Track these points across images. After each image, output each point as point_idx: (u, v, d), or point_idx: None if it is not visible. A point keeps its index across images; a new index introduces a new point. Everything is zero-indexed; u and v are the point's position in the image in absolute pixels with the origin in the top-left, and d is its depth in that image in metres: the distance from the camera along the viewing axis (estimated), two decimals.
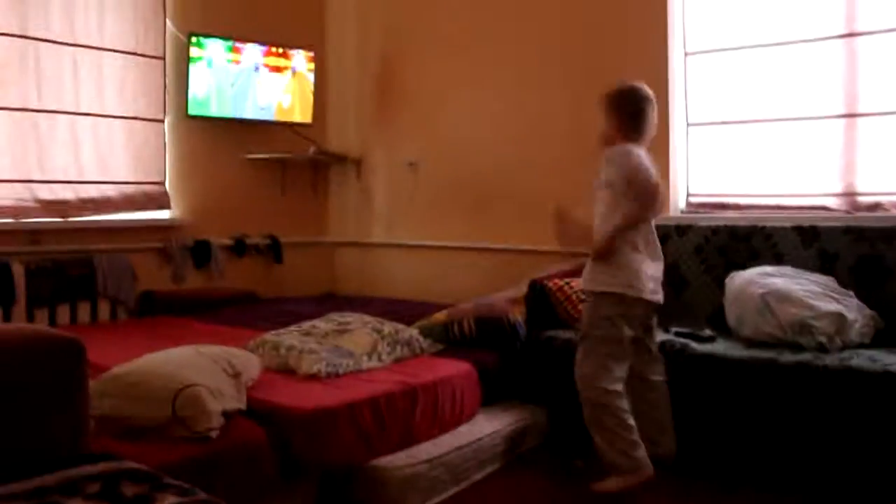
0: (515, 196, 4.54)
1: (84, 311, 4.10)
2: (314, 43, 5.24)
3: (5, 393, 1.62)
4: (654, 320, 2.96)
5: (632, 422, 2.77)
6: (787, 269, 3.29)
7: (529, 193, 4.41)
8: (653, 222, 2.90)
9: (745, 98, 3.86)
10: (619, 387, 2.79)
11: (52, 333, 1.76)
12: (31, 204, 3.97)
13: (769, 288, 3.11)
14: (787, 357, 2.82)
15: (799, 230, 3.46)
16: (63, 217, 4.08)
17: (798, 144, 3.72)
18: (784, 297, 3.04)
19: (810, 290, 3.09)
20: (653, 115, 2.91)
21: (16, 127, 3.92)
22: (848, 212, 3.56)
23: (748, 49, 3.83)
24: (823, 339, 2.90)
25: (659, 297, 2.87)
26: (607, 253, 2.78)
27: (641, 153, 2.82)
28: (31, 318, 3.84)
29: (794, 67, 3.71)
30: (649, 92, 2.91)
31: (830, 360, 2.74)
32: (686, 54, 4.03)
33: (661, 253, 2.92)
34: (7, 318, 3.76)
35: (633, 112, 2.87)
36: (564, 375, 3.11)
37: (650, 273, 2.83)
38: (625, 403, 2.78)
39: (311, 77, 5.09)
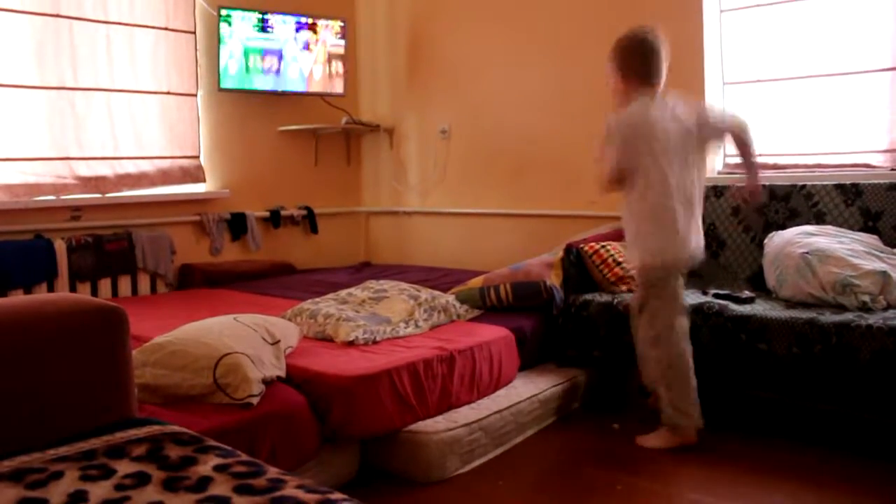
0: (549, 161, 4.51)
1: (124, 285, 4.17)
2: (345, 12, 5.22)
3: (52, 360, 1.66)
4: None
5: (695, 382, 2.81)
6: (829, 228, 3.23)
7: (563, 158, 4.38)
8: (694, 176, 2.86)
9: (782, 55, 3.78)
10: (687, 345, 2.84)
11: (95, 302, 1.79)
12: (71, 181, 4.03)
13: (810, 247, 3.06)
14: (829, 317, 2.77)
15: (841, 188, 3.39)
16: (101, 193, 4.14)
17: (839, 101, 3.63)
18: (825, 257, 2.99)
19: (853, 249, 3.03)
20: (658, 62, 2.82)
21: (53, 105, 3.97)
22: (893, 168, 3.47)
23: (784, 4, 3.74)
24: (867, 299, 2.84)
25: (700, 249, 2.90)
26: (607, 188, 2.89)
27: (650, 111, 2.78)
28: (73, 292, 3.91)
29: (833, 21, 3.62)
30: (655, 37, 2.83)
31: (874, 319, 2.69)
32: (721, 11, 3.94)
33: (697, 207, 2.89)
34: (51, 293, 3.84)
35: (639, 63, 2.82)
36: (601, 338, 3.10)
37: (689, 227, 2.82)
38: (691, 361, 2.83)
39: (342, 47, 5.07)
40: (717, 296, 3.18)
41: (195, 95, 4.55)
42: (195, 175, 4.56)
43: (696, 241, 2.87)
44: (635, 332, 2.96)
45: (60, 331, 1.69)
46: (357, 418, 2.53)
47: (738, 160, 3.65)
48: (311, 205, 5.17)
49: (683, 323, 2.88)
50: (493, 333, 3.17)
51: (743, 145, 2.94)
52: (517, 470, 2.75)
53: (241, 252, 4.82)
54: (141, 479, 1.37)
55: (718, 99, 3.97)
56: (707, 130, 2.88)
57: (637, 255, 2.90)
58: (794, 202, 3.48)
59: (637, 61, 2.82)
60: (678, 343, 2.84)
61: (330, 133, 5.27)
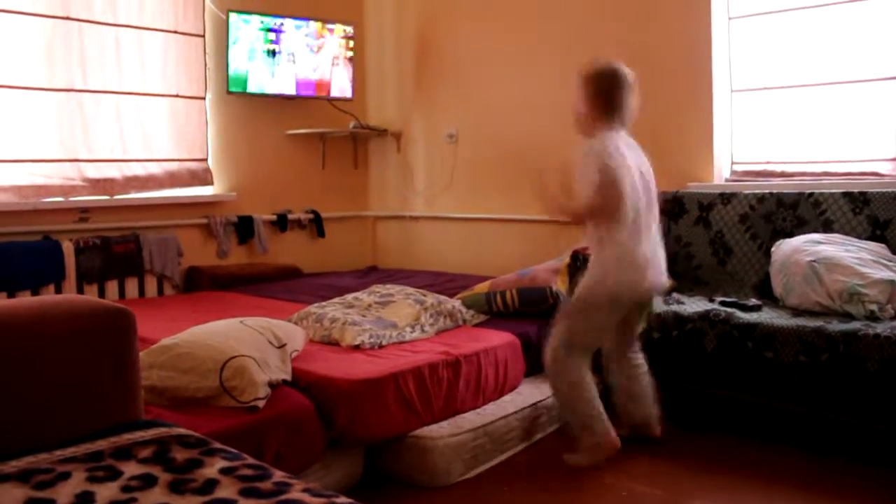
0: (556, 167, 4.49)
1: (132, 287, 4.18)
2: (353, 17, 5.24)
3: (59, 361, 1.66)
4: (654, 302, 2.96)
5: (593, 395, 2.77)
6: (836, 237, 3.22)
7: (570, 164, 4.37)
8: (653, 209, 2.82)
9: (790, 62, 3.77)
10: (584, 362, 2.80)
11: (103, 303, 1.79)
12: (79, 182, 4.05)
13: (817, 255, 3.05)
14: (836, 326, 2.76)
15: (848, 196, 3.37)
16: (109, 195, 4.16)
17: (847, 108, 3.62)
18: (833, 265, 2.98)
19: (860, 258, 3.01)
20: (632, 100, 2.78)
21: (62, 107, 3.98)
22: None
23: (793, 11, 3.73)
24: (874, 308, 2.83)
25: (661, 281, 2.85)
26: (578, 222, 2.84)
27: (620, 145, 2.72)
28: (80, 293, 3.92)
29: (841, 29, 3.61)
30: (628, 73, 2.77)
31: (882, 328, 2.67)
32: (730, 18, 3.94)
33: (661, 244, 2.87)
34: (58, 294, 3.85)
35: (609, 96, 2.75)
36: None
37: (652, 271, 2.77)
38: (588, 379, 2.78)
39: (349, 51, 5.08)
40: (723, 303, 3.17)
41: (204, 98, 4.57)
42: (203, 178, 4.58)
43: (654, 279, 2.80)
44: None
45: (67, 332, 1.69)
46: (362, 422, 2.53)
47: (746, 168, 3.65)
48: (318, 209, 5.17)
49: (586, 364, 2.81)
50: (499, 339, 3.17)
51: None
52: (522, 476, 2.75)
53: (247, 255, 4.83)
54: (147, 481, 1.37)
55: (726, 106, 3.96)
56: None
57: (588, 278, 2.81)
58: (801, 210, 3.47)
59: (608, 91, 2.76)
60: (576, 371, 2.78)
61: (337, 137, 5.28)
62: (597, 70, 2.80)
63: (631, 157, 2.75)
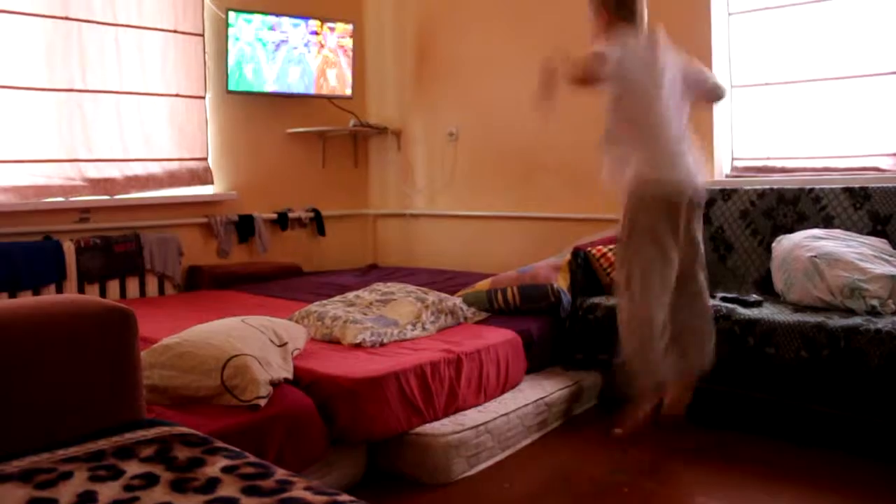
0: (556, 164, 4.50)
1: (133, 287, 4.18)
2: (353, 15, 5.23)
3: (60, 361, 1.67)
4: (698, 210, 2.90)
5: (656, 332, 2.76)
6: (837, 232, 3.22)
7: (571, 161, 4.37)
8: (682, 109, 2.81)
9: (790, 58, 3.77)
10: (652, 297, 2.77)
11: (104, 303, 1.79)
12: (79, 182, 4.05)
13: (818, 251, 3.05)
14: (837, 321, 2.76)
15: (849, 191, 3.37)
16: (110, 195, 4.16)
17: (847, 104, 3.62)
18: (834, 260, 2.98)
19: (861, 253, 3.02)
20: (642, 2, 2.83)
21: (62, 107, 3.98)
22: None
23: (793, 7, 3.73)
24: (875, 303, 2.84)
25: (697, 183, 2.82)
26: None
27: (628, 42, 2.76)
28: (81, 293, 3.92)
29: (841, 24, 3.61)
30: None
31: (883, 323, 2.68)
32: (729, 14, 3.93)
33: (686, 143, 2.83)
34: (59, 294, 3.85)
35: (616, 2, 2.80)
36: (608, 342, 3.10)
37: (678, 157, 2.76)
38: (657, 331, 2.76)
39: (350, 49, 5.08)
40: (724, 299, 3.17)
41: (203, 98, 4.56)
42: (203, 177, 4.58)
43: (689, 172, 2.78)
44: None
45: (69, 332, 1.69)
46: (364, 420, 2.53)
47: (746, 164, 3.65)
48: (318, 207, 5.17)
49: (665, 278, 2.76)
50: (501, 336, 3.17)
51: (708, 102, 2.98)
52: (523, 473, 2.75)
53: (248, 254, 4.83)
54: (149, 480, 1.37)
55: (726, 102, 3.96)
56: (689, 83, 2.87)
57: (622, 179, 2.81)
58: (802, 205, 3.47)
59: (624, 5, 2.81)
60: (647, 305, 2.76)
61: (338, 135, 5.28)
62: None
63: (646, 55, 2.75)
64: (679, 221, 2.80)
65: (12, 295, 3.68)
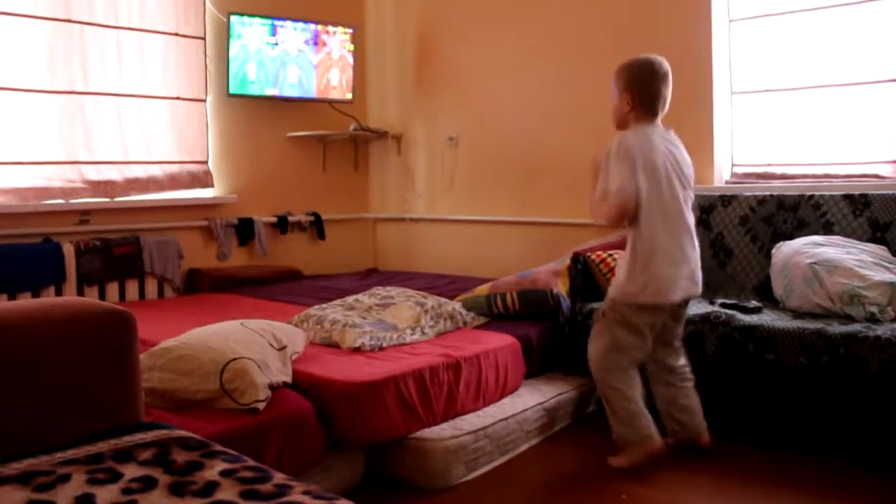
0: (557, 169, 4.51)
1: (132, 289, 4.18)
2: (354, 20, 5.25)
3: (59, 363, 1.66)
4: (685, 309, 2.89)
5: (633, 393, 2.74)
6: (837, 239, 3.22)
7: (571, 166, 4.38)
8: (688, 205, 2.77)
9: (790, 65, 3.77)
10: (626, 364, 2.76)
11: (103, 306, 1.79)
12: (80, 184, 4.05)
13: (818, 257, 3.05)
14: (837, 328, 2.76)
15: (849, 198, 3.37)
16: (110, 197, 4.17)
17: (848, 111, 3.63)
18: (833, 267, 2.98)
19: (861, 260, 3.02)
20: (667, 91, 2.74)
21: (63, 109, 3.99)
22: None
23: (793, 14, 3.74)
24: (875, 310, 2.83)
25: (694, 290, 2.79)
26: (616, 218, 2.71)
27: (652, 137, 2.69)
28: (81, 295, 3.93)
29: (842, 31, 3.61)
30: (665, 65, 2.74)
31: (882, 330, 2.67)
32: (730, 21, 3.94)
33: (695, 242, 2.79)
34: (59, 296, 3.85)
35: (646, 89, 2.71)
36: None
37: (682, 272, 2.72)
38: (629, 379, 2.75)
39: (350, 54, 5.09)
40: (724, 305, 3.17)
41: (204, 101, 4.57)
42: (203, 180, 4.58)
43: (688, 282, 2.74)
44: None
45: (68, 334, 1.69)
46: (362, 425, 2.53)
47: (746, 170, 3.64)
48: (318, 211, 5.18)
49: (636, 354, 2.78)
50: (500, 341, 3.17)
51: None
52: (522, 478, 2.74)
53: (248, 257, 4.83)
54: (148, 484, 1.37)
55: (726, 108, 3.97)
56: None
57: (617, 277, 2.80)
58: (802, 212, 3.47)
59: (648, 86, 2.71)
60: (620, 373, 2.76)
61: (338, 139, 5.29)
62: (630, 62, 2.77)
63: (662, 150, 2.70)
64: (667, 318, 2.81)
65: (12, 297, 3.68)
